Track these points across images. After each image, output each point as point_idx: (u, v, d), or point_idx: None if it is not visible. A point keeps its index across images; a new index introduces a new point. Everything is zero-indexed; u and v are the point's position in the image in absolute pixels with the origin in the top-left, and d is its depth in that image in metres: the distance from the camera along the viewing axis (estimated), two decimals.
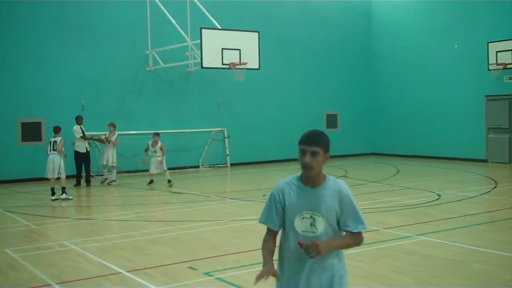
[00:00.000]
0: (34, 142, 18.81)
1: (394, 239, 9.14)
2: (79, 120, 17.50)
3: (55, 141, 14.66)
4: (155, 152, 16.85)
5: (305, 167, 3.55)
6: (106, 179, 17.76)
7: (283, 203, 3.67)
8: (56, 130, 15.02)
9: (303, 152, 3.55)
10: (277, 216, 3.72)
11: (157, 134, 17.17)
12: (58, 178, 14.48)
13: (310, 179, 3.61)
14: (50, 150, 14.64)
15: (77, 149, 17.36)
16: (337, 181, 3.66)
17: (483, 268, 7.42)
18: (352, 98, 25.80)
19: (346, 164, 22.28)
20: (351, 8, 25.90)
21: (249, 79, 19.95)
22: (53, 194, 14.48)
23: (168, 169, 17.05)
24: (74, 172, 17.31)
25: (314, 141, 3.53)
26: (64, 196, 14.42)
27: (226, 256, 8.32)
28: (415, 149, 24.62)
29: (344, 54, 25.64)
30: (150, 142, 17.02)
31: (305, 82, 24.44)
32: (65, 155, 14.86)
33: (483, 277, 7.01)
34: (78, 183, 17.27)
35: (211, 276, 7.33)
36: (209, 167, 21.70)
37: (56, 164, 14.44)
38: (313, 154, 3.51)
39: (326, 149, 3.57)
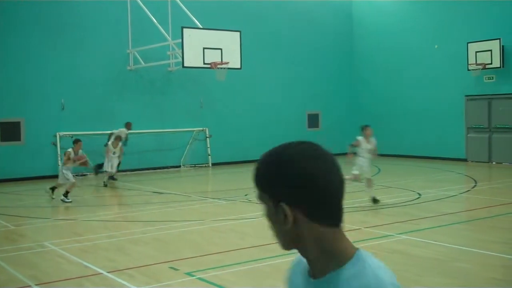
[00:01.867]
0: (13, 142, 18.57)
1: (376, 238, 9.18)
2: (128, 125, 18.62)
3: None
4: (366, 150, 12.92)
5: None
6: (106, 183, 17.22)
7: None
8: (73, 142, 14.81)
9: None
10: None
11: (369, 126, 13.15)
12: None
13: (309, 261, 1.67)
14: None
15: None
16: (367, 271, 1.57)
17: (465, 267, 7.48)
18: (334, 98, 25.90)
19: None
20: (333, 8, 25.97)
21: (230, 78, 19.90)
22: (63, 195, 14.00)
23: (148, 169, 16.78)
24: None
25: (254, 180, 1.72)
26: (61, 197, 13.88)
27: (207, 256, 8.29)
28: (396, 148, 24.74)
29: (326, 54, 25.70)
30: (360, 138, 12.96)
31: (287, 82, 24.45)
32: (80, 162, 14.53)
33: (465, 276, 7.07)
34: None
35: (193, 276, 7.29)
36: (191, 166, 21.61)
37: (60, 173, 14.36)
38: (263, 206, 1.68)
39: (274, 193, 1.62)
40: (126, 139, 18.57)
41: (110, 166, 16.95)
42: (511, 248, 8.42)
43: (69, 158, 14.10)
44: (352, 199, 13.18)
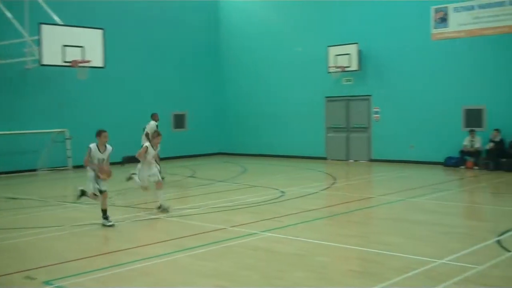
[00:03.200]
0: None
1: (241, 236, 9.27)
2: (155, 116, 17.50)
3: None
4: None
5: None
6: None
7: None
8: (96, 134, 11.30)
9: None
10: None
11: None
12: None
13: None
14: None
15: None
16: None
17: (324, 261, 7.76)
18: (200, 98, 25.96)
19: (194, 164, 22.35)
20: (200, 9, 26.05)
21: (93, 77, 19.27)
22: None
23: (1, 173, 15.61)
24: None
25: None
26: (103, 221, 10.67)
27: (67, 263, 7.89)
28: (261, 148, 25.35)
29: (193, 54, 25.72)
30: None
31: (152, 82, 24.10)
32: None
33: (324, 269, 7.33)
34: None
35: (51, 284, 6.90)
36: (49, 170, 20.51)
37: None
38: None
39: None
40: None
41: (152, 174, 12.23)
42: (365, 241, 8.88)
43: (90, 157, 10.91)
44: (218, 198, 13.25)
